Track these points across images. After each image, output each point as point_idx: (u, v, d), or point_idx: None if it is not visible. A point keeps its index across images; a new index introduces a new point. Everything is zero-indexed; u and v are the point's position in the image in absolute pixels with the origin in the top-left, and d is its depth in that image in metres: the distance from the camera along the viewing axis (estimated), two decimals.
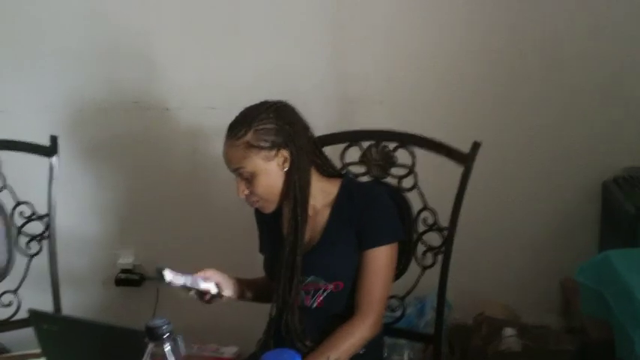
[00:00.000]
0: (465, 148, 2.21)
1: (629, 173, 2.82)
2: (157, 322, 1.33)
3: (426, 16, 2.87)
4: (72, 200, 3.00)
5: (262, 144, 2.01)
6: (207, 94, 2.96)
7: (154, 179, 3.07)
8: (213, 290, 2.10)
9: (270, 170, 2.04)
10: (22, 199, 2.54)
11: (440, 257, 2.26)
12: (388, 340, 2.57)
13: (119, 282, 3.11)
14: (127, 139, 3.04)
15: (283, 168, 2.05)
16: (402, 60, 2.90)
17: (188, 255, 2.88)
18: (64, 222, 2.69)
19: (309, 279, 2.08)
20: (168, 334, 1.32)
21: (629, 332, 2.05)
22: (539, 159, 2.92)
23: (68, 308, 2.65)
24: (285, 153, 2.04)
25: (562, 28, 2.83)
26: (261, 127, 2.01)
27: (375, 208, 2.09)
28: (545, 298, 2.94)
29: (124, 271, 3.11)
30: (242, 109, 2.08)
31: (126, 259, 3.10)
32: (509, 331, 2.58)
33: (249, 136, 2.01)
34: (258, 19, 2.92)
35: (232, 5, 2.91)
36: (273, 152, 2.03)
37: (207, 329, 2.86)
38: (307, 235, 2.10)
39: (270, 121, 2.03)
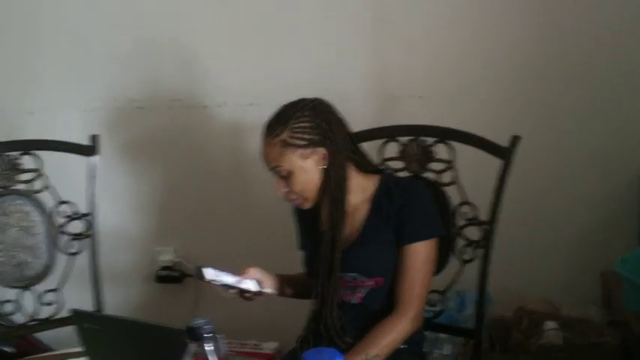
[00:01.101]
0: (504, 142, 2.20)
1: None
2: (199, 322, 1.34)
3: (466, 11, 2.85)
4: (113, 199, 3.03)
5: (298, 142, 2.01)
6: (247, 91, 2.97)
7: (194, 176, 3.09)
8: (254, 288, 2.11)
9: (307, 168, 2.04)
10: (63, 198, 2.56)
11: (480, 251, 2.26)
12: (429, 335, 2.56)
13: (160, 279, 3.13)
14: (167, 137, 3.07)
15: (320, 165, 2.05)
16: (442, 55, 2.89)
17: (228, 252, 2.92)
18: (105, 220, 2.71)
19: (349, 275, 2.08)
20: (209, 334, 1.33)
21: None
22: (577, 152, 2.89)
23: (110, 306, 2.67)
24: (321, 150, 2.04)
25: (602, 23, 2.80)
26: (296, 125, 2.02)
27: (414, 203, 2.08)
28: (586, 291, 2.90)
29: (164, 268, 3.13)
30: (278, 107, 2.08)
31: (166, 256, 3.13)
32: (550, 325, 2.55)
33: (285, 135, 2.01)
34: (299, 15, 2.93)
35: (274, 3, 2.92)
36: (310, 150, 2.03)
37: (247, 325, 2.87)
38: (346, 232, 2.10)
39: (305, 119, 2.03)
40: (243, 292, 2.10)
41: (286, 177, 2.05)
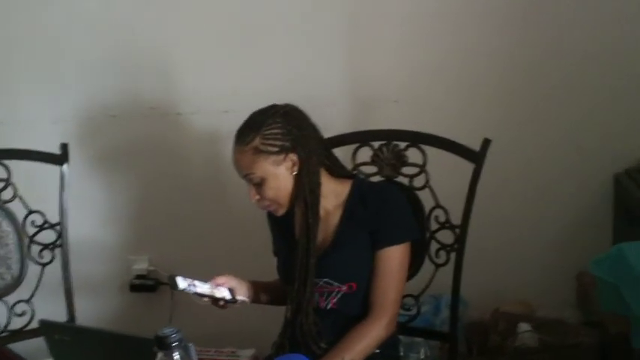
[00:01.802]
0: (478, 146, 2.21)
1: None
2: (166, 331, 1.33)
3: (440, 15, 2.86)
4: (86, 208, 3.00)
5: (270, 149, 2.01)
6: (222, 98, 2.94)
7: (168, 184, 3.06)
8: (227, 296, 2.10)
9: (280, 174, 2.04)
10: (34, 208, 2.53)
11: (453, 255, 2.26)
12: (404, 339, 2.56)
13: (134, 288, 3.10)
14: (141, 146, 3.04)
15: (292, 172, 2.05)
16: (417, 59, 2.89)
17: (203, 259, 2.91)
18: (78, 230, 2.68)
19: (322, 281, 2.08)
20: (177, 342, 1.32)
21: None
22: (550, 155, 2.91)
23: (84, 315, 2.64)
24: (293, 157, 2.03)
25: (576, 24, 2.82)
26: (268, 132, 2.01)
27: (388, 207, 2.08)
28: (562, 293, 2.92)
29: (138, 277, 3.10)
30: (249, 115, 2.08)
31: (140, 265, 3.09)
32: (524, 327, 2.56)
33: (256, 142, 2.01)
34: (271, 21, 2.91)
35: (246, 8, 2.91)
36: (282, 156, 2.02)
37: (223, 332, 2.86)
38: (319, 237, 2.09)
39: (277, 126, 2.02)
40: (216, 300, 2.08)
41: (259, 184, 2.04)
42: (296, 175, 2.05)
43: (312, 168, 2.05)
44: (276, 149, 2.01)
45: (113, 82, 2.98)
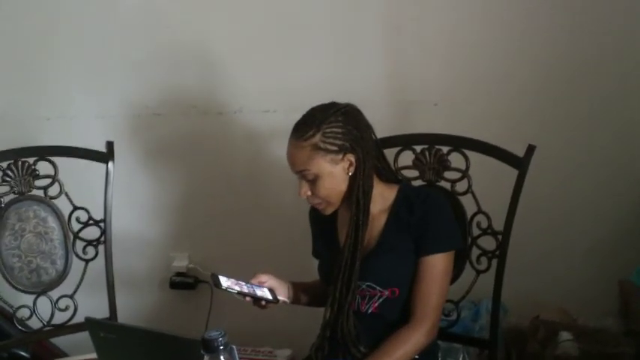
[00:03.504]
0: (516, 149, 2.20)
1: None
2: (213, 334, 1.34)
3: (484, 18, 2.83)
4: (129, 205, 3.04)
5: (330, 147, 2.00)
6: (262, 97, 2.96)
7: (209, 183, 3.09)
8: (268, 296, 2.11)
9: (336, 173, 2.03)
10: (79, 204, 2.57)
11: (494, 261, 2.25)
12: (443, 345, 2.55)
13: (174, 285, 3.12)
14: (183, 144, 3.06)
15: (348, 172, 2.04)
16: (457, 61, 2.87)
17: (242, 258, 2.92)
18: (121, 226, 2.72)
19: (365, 284, 2.07)
20: (223, 346, 1.33)
21: None
22: (595, 161, 2.87)
23: (124, 311, 2.68)
24: (351, 157, 2.03)
25: (624, 32, 2.78)
26: (329, 129, 2.00)
27: (434, 214, 2.07)
28: (603, 300, 2.86)
29: (178, 274, 3.13)
30: (309, 110, 2.07)
31: (180, 262, 3.12)
32: (565, 335, 2.53)
33: (317, 138, 2.00)
34: (314, 21, 2.92)
35: (289, 9, 2.92)
36: (340, 156, 2.02)
37: (261, 332, 2.87)
38: (365, 240, 2.08)
39: (338, 125, 2.01)
40: (257, 300, 2.09)
41: (312, 181, 2.04)
42: (351, 176, 2.04)
43: (367, 170, 2.04)
44: (335, 148, 2.00)
45: (157, 80, 3.02)
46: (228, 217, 3.09)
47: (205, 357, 1.32)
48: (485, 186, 2.29)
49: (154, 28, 2.98)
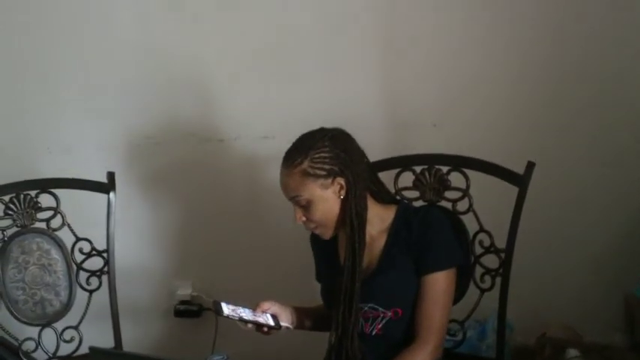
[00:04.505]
0: (517, 167, 2.20)
1: None
2: (215, 357, 1.34)
3: (477, 36, 2.86)
4: (131, 234, 3.04)
5: (319, 172, 2.02)
6: (261, 124, 2.98)
7: (210, 210, 3.09)
8: (271, 322, 2.11)
9: (327, 198, 2.05)
10: (82, 235, 2.58)
11: (498, 280, 2.24)
12: None
13: (178, 313, 3.11)
14: (183, 172, 3.07)
15: (340, 195, 2.05)
16: (454, 82, 2.89)
17: (245, 284, 2.93)
18: (123, 256, 2.72)
19: (368, 306, 2.07)
20: None
21: None
22: (596, 177, 2.87)
23: (129, 340, 2.67)
24: (341, 181, 2.04)
25: (625, 44, 2.81)
26: (317, 155, 2.02)
27: (433, 232, 2.08)
28: (610, 316, 2.86)
29: (182, 302, 3.11)
30: (298, 137, 2.09)
31: (184, 291, 3.11)
32: (572, 353, 2.52)
33: (305, 165, 2.02)
34: (310, 47, 2.95)
35: (285, 35, 2.94)
36: (330, 180, 2.03)
37: (267, 358, 2.86)
38: (364, 262, 2.09)
39: (326, 150, 2.03)
40: (260, 326, 2.09)
41: (305, 206, 2.05)
42: (343, 199, 2.05)
43: (358, 192, 2.05)
44: (324, 173, 2.02)
45: (156, 110, 3.04)
46: (230, 244, 3.09)
47: None
48: (486, 204, 2.29)
49: (152, 58, 3.00)
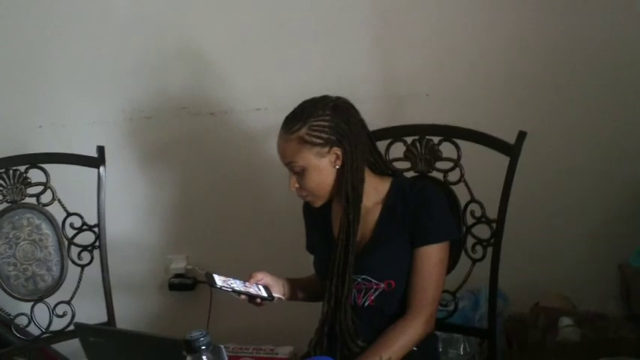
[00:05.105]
0: (513, 139, 2.18)
1: None
2: (194, 334, 1.33)
3: (471, 7, 2.83)
4: (125, 208, 3.05)
5: (316, 140, 2.00)
6: (253, 96, 2.96)
7: (204, 183, 3.08)
8: (264, 293, 2.11)
9: (322, 167, 2.03)
10: (73, 211, 2.56)
11: (490, 250, 2.23)
12: (443, 335, 2.55)
13: (173, 287, 3.11)
14: (176, 146, 3.06)
15: (335, 165, 2.04)
16: (448, 52, 2.87)
17: (240, 256, 2.94)
18: (117, 231, 2.75)
19: (361, 278, 2.07)
20: (205, 346, 1.32)
21: None
22: (590, 145, 2.86)
23: (124, 315, 2.68)
24: (338, 151, 2.03)
25: (620, 15, 2.78)
26: (316, 123, 2.01)
27: (429, 205, 2.07)
28: (604, 285, 2.86)
29: (177, 275, 3.11)
30: (300, 103, 2.08)
31: (179, 264, 3.11)
32: (565, 321, 2.51)
33: (303, 132, 2.00)
34: (302, 18, 2.92)
35: (276, 7, 2.91)
36: (326, 149, 2.02)
37: (262, 330, 2.91)
38: (359, 234, 2.08)
39: (326, 118, 2.02)
40: (253, 298, 2.09)
41: (300, 173, 2.04)
42: (339, 169, 2.04)
43: (356, 164, 2.04)
44: (321, 141, 2.01)
45: (147, 84, 3.01)
46: (224, 216, 3.09)
47: (188, 358, 1.32)
48: (478, 175, 2.27)
49: (143, 33, 2.97)
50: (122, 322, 2.65)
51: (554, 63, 2.81)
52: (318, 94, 2.10)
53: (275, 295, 2.15)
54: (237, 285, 2.07)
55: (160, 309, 3.18)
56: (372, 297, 2.07)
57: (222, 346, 1.38)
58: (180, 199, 3.11)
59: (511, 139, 2.19)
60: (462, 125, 2.29)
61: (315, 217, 2.23)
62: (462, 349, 2.66)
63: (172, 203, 3.12)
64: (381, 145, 2.32)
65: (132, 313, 2.98)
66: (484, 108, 2.80)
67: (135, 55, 2.99)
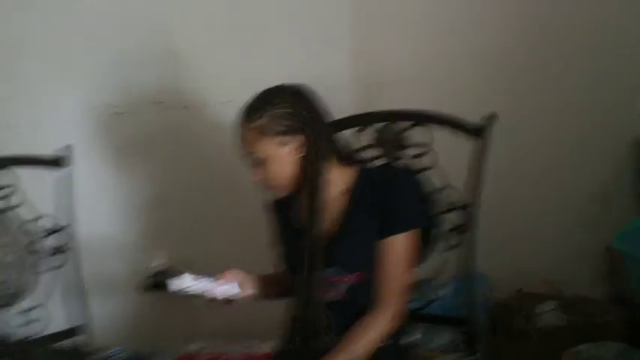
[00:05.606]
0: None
1: None
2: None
3: None
4: (99, 207, 2.99)
5: (276, 128, 1.95)
6: (227, 88, 2.89)
7: (180, 179, 3.02)
8: (234, 292, 2.07)
9: (284, 156, 1.97)
10: (43, 212, 2.52)
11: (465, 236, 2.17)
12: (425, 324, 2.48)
13: (149, 286, 3.02)
14: (148, 142, 3.00)
15: (298, 154, 1.98)
16: (419, 37, 2.83)
17: (219, 253, 2.82)
18: (91, 230, 2.71)
19: (330, 271, 2.00)
20: None
21: None
22: (569, 126, 2.83)
23: (104, 316, 2.72)
24: (300, 139, 1.97)
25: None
26: (276, 111, 1.95)
27: (397, 194, 2.00)
28: (590, 269, 2.82)
29: (157, 274, 3.04)
30: (259, 92, 2.02)
31: (158, 262, 3.04)
32: (549, 305, 2.47)
33: (263, 120, 1.95)
34: (274, 7, 2.87)
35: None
36: (288, 138, 1.96)
37: (243, 325, 2.83)
38: (326, 225, 2.01)
39: (286, 105, 1.96)
40: (222, 298, 2.07)
41: (262, 164, 1.98)
42: (302, 158, 1.98)
43: (319, 151, 1.98)
44: (282, 129, 1.95)
45: (119, 79, 2.95)
46: (201, 213, 3.03)
47: None
48: (452, 160, 2.19)
49: (113, 26, 2.91)
50: (105, 323, 2.69)
51: (532, 46, 2.80)
52: (290, 80, 2.04)
53: (247, 292, 2.11)
54: (206, 285, 2.03)
55: (137, 309, 3.11)
56: (343, 290, 2.01)
57: None
58: (156, 195, 3.05)
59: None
60: (438, 110, 2.22)
61: (281, 210, 2.18)
62: (446, 338, 2.61)
63: (147, 200, 3.06)
64: (350, 133, 2.28)
65: (111, 314, 2.95)
66: (459, 92, 2.77)
67: (106, 50, 2.93)
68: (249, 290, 2.12)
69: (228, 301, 2.07)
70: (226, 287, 2.06)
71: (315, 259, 1.99)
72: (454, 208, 2.19)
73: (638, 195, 2.79)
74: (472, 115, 2.16)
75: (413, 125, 2.22)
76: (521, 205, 2.85)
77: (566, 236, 2.88)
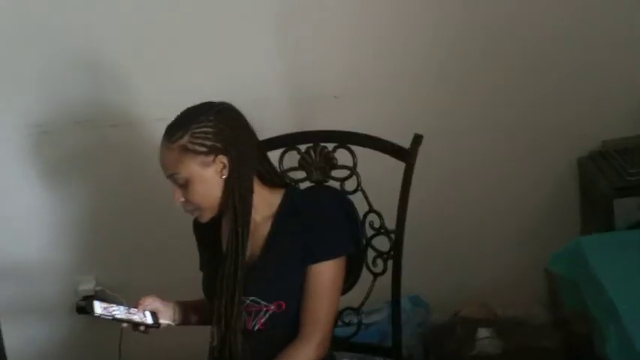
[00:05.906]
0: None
1: (607, 147, 2.64)
2: None
3: (382, 5, 2.74)
4: (29, 230, 2.92)
5: (199, 148, 1.86)
6: (155, 106, 2.75)
7: (110, 198, 2.92)
8: (149, 320, 1.98)
9: (207, 177, 1.89)
10: None
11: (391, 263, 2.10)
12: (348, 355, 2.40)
13: (81, 310, 2.93)
14: (77, 162, 2.90)
15: (221, 175, 1.89)
16: (357, 53, 2.76)
17: (155, 278, 2.78)
18: (21, 254, 2.71)
19: (249, 299, 1.93)
20: None
21: (601, 327, 1.88)
22: (509, 143, 2.79)
23: (31, 340, 2.73)
24: (223, 159, 1.88)
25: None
26: (198, 130, 1.87)
27: (321, 219, 1.93)
28: (530, 290, 2.78)
29: (85, 298, 2.95)
30: (182, 110, 1.95)
31: (87, 286, 2.95)
32: (483, 332, 2.41)
33: (185, 140, 1.86)
34: (202, 23, 2.78)
35: (172, 11, 2.77)
36: (211, 158, 1.87)
37: (167, 354, 2.79)
38: (248, 251, 1.93)
39: (209, 125, 1.88)
40: (136, 325, 1.97)
41: (184, 186, 1.90)
42: (225, 179, 1.90)
43: (243, 172, 1.90)
44: (204, 149, 1.86)
45: (44, 97, 2.84)
46: (133, 235, 2.93)
47: None
48: (378, 183, 2.15)
49: (38, 40, 2.79)
50: (24, 347, 2.62)
51: (468, 62, 2.74)
52: (222, 99, 1.97)
53: (162, 321, 2.02)
54: (119, 312, 1.94)
55: (68, 332, 3.03)
56: (262, 320, 1.93)
57: None
58: (85, 216, 2.95)
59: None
60: (371, 128, 2.16)
61: (205, 233, 2.09)
62: None
63: (78, 221, 2.96)
64: (275, 155, 2.19)
65: (37, 338, 2.87)
66: (394, 110, 2.71)
67: (30, 67, 2.82)
68: (166, 319, 2.04)
69: (145, 329, 1.99)
70: (140, 315, 1.98)
71: (236, 283, 1.90)
72: (379, 234, 2.13)
73: (580, 216, 2.76)
74: (409, 132, 2.10)
75: (336, 147, 2.15)
76: (462, 227, 2.80)
77: (507, 257, 2.84)
